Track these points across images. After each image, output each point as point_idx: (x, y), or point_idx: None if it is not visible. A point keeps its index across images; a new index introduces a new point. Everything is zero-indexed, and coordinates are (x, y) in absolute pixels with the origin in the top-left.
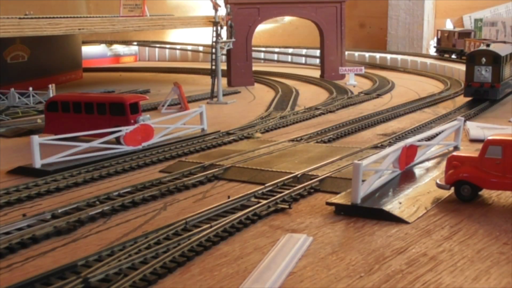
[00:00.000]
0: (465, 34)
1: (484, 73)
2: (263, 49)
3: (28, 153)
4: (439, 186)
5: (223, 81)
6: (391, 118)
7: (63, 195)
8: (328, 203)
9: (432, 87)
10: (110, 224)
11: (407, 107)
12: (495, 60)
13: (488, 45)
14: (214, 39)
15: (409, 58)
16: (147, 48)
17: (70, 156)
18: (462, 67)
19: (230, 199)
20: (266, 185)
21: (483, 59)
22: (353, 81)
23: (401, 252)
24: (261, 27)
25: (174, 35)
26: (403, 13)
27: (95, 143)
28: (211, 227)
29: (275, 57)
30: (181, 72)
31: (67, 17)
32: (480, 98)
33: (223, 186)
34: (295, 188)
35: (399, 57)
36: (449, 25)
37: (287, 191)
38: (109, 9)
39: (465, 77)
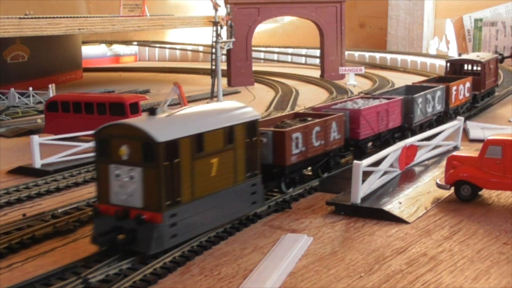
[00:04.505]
0: None
1: (129, 186)
2: (263, 49)
3: (28, 153)
4: (439, 186)
5: (223, 81)
6: None
7: (63, 195)
8: (328, 203)
9: None
10: None
11: None
12: (150, 151)
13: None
14: (214, 39)
15: (409, 58)
16: (147, 48)
17: (70, 156)
18: None
19: None
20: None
21: (125, 149)
22: (353, 81)
23: (401, 252)
24: (261, 27)
25: (174, 35)
26: (403, 13)
27: None
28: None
29: (275, 57)
30: (181, 72)
31: (67, 17)
32: (115, 247)
33: None
34: (295, 188)
35: (399, 57)
36: (449, 25)
37: (287, 191)
38: (109, 9)
39: (97, 194)
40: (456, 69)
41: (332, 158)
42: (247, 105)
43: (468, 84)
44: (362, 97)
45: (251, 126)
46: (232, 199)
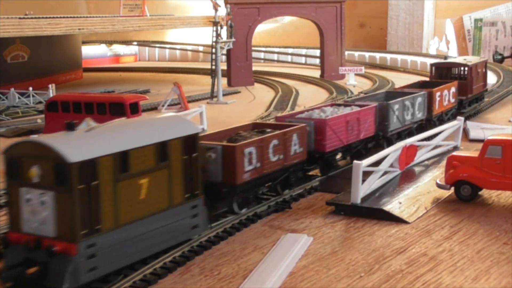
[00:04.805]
0: None
1: (40, 212)
2: (263, 49)
3: None
4: (439, 186)
5: (223, 81)
6: None
7: None
8: (328, 203)
9: None
10: None
11: None
12: (62, 173)
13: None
14: (214, 39)
15: (409, 58)
16: (147, 48)
17: None
18: None
19: None
20: (266, 185)
21: (36, 171)
22: (353, 81)
23: (401, 252)
24: (261, 27)
25: (174, 35)
26: (403, 13)
27: None
28: (211, 227)
29: (275, 57)
30: (181, 72)
31: (67, 17)
32: (25, 282)
33: None
34: (295, 188)
35: (399, 57)
36: (449, 25)
37: (287, 191)
38: (109, 9)
39: (9, 221)
40: (442, 73)
41: (293, 174)
42: (185, 118)
43: (453, 89)
44: (332, 105)
45: (190, 141)
46: (167, 224)
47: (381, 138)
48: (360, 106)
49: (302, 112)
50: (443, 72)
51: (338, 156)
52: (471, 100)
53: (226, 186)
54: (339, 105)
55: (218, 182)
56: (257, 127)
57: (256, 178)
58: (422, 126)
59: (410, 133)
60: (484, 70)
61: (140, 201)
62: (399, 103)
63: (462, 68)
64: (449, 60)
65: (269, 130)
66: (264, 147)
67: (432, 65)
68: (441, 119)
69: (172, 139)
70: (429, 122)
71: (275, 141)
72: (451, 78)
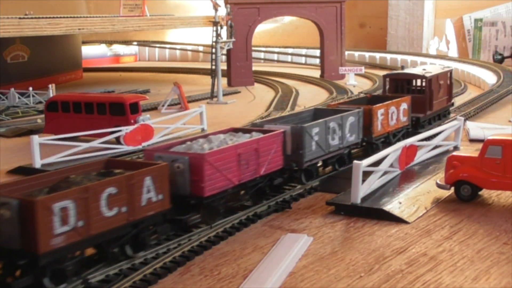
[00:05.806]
0: None
1: None
2: (263, 49)
3: (28, 153)
4: (439, 186)
5: (223, 81)
6: None
7: None
8: (328, 203)
9: None
10: None
11: None
12: None
13: None
14: (214, 39)
15: (409, 58)
16: (147, 48)
17: (70, 156)
18: (465, 68)
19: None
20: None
21: None
22: (353, 81)
23: (401, 252)
24: (261, 27)
25: (174, 35)
26: (403, 13)
27: (95, 143)
28: (211, 227)
29: (275, 57)
30: (181, 72)
31: (67, 17)
32: None
33: None
34: (295, 188)
35: (399, 57)
36: (449, 25)
37: (287, 191)
38: (109, 9)
39: None
40: (397, 86)
41: (145, 231)
42: None
43: (404, 106)
44: (229, 131)
45: None
46: None
47: (296, 171)
48: (264, 132)
49: (183, 142)
50: (399, 84)
51: (233, 197)
52: (433, 117)
53: (26, 256)
54: (238, 130)
55: (17, 250)
56: (111, 166)
57: (77, 242)
58: (365, 150)
59: (340, 159)
60: (448, 81)
61: None
62: (320, 125)
63: (419, 80)
64: (405, 70)
65: (118, 171)
66: (91, 198)
67: (385, 76)
68: (388, 142)
69: None
70: (370, 145)
71: (111, 189)
72: (410, 91)
